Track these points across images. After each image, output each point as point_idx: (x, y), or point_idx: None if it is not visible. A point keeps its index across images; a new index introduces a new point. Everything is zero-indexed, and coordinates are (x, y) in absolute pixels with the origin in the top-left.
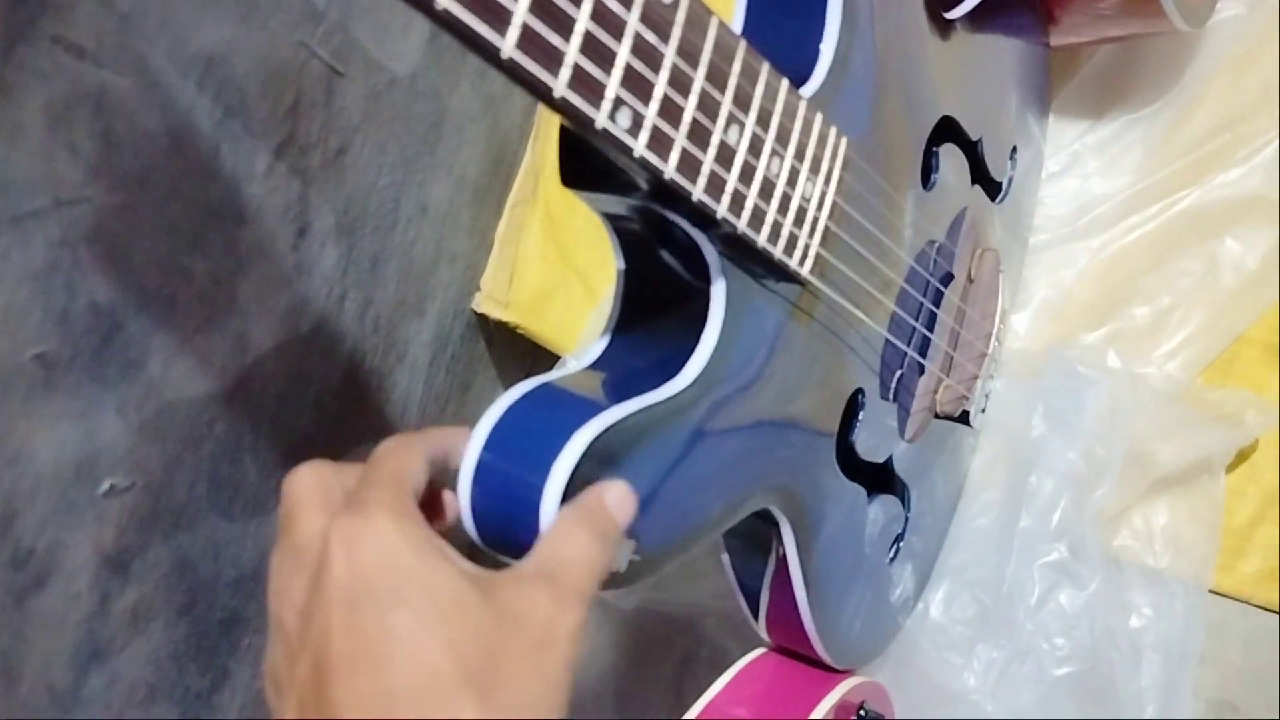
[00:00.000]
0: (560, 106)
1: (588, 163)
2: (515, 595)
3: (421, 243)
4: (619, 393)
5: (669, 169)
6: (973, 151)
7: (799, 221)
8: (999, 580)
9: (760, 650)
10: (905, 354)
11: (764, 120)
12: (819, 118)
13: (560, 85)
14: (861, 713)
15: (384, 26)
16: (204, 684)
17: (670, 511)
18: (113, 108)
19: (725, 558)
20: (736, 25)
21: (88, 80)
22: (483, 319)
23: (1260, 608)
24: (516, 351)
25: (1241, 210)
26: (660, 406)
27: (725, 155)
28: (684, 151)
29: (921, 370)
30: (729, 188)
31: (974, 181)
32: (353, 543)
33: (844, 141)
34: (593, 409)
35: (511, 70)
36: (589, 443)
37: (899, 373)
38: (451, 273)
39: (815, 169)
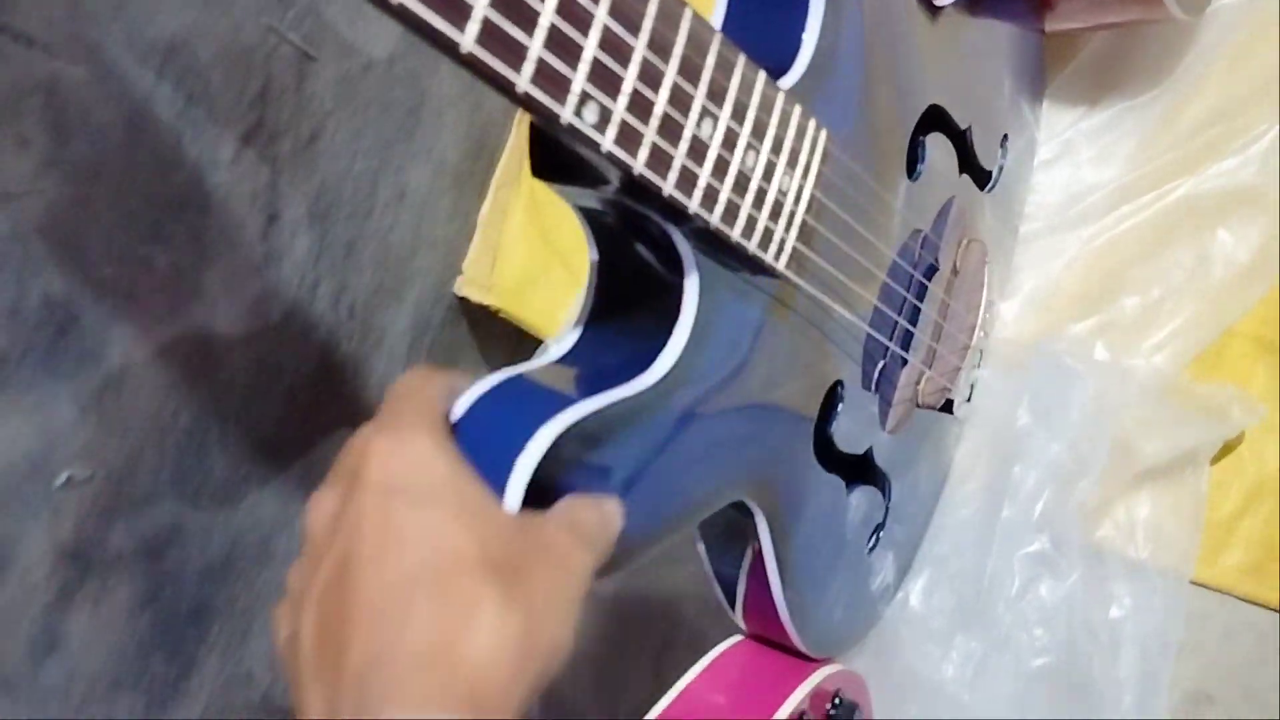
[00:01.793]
0: (524, 102)
1: (558, 155)
2: (540, 524)
3: (399, 229)
4: (589, 387)
5: (638, 164)
6: (961, 140)
7: (775, 216)
8: (979, 571)
9: (737, 637)
10: (887, 347)
11: (739, 114)
12: (797, 110)
13: (523, 80)
14: (836, 701)
15: (358, 9)
16: (171, 672)
17: (644, 504)
18: (65, 97)
19: (700, 547)
20: (718, 14)
21: (37, 70)
22: (465, 304)
23: (1241, 599)
24: (499, 336)
25: (1234, 202)
26: (630, 401)
27: (698, 150)
28: (654, 146)
29: (904, 362)
30: (701, 182)
31: (962, 171)
32: (389, 453)
33: (824, 134)
34: (560, 403)
35: (472, 65)
36: (554, 438)
37: (881, 364)
38: (431, 258)
39: (793, 163)
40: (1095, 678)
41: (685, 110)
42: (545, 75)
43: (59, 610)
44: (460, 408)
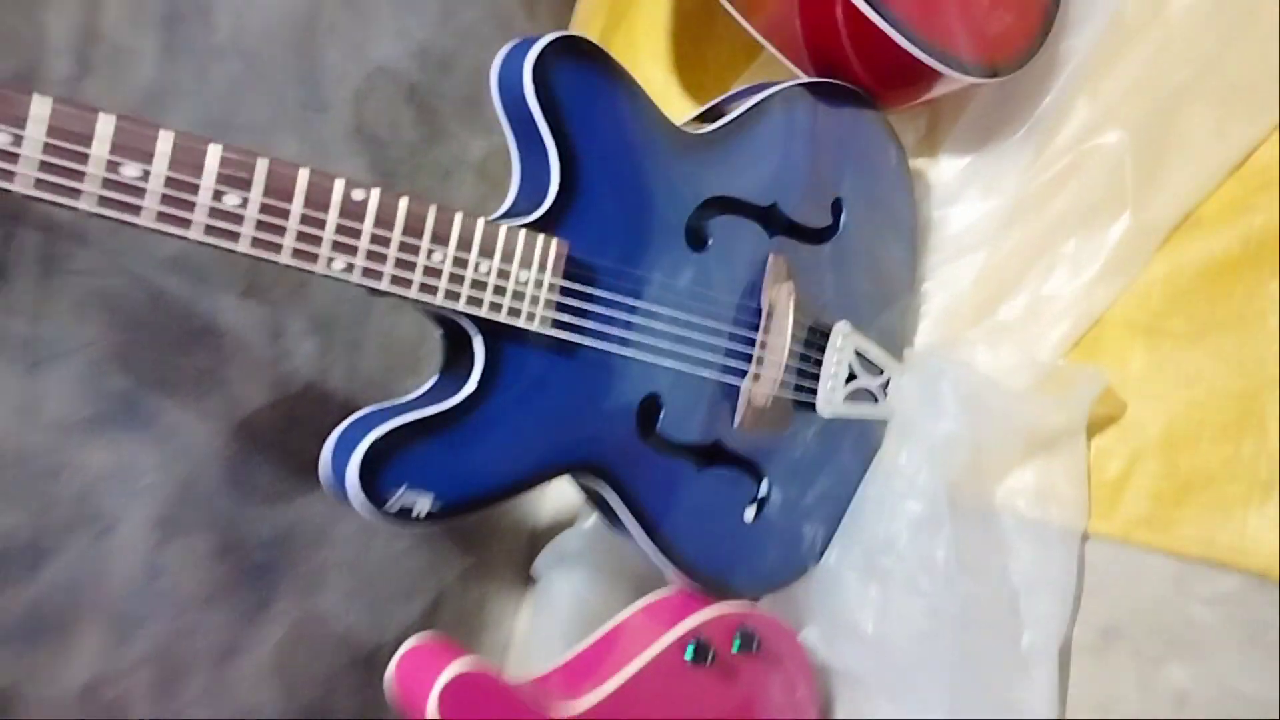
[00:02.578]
0: (286, 266)
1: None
2: None
3: (402, 326)
4: (420, 406)
5: (383, 284)
6: (768, 214)
7: (518, 298)
8: (876, 533)
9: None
10: (717, 365)
11: (465, 243)
12: (523, 233)
13: (284, 256)
14: (742, 629)
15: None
16: (251, 600)
17: (460, 478)
18: (112, 295)
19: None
20: (514, 176)
21: (91, 285)
22: None
23: (1138, 548)
24: None
25: (1095, 210)
26: (440, 414)
27: (431, 270)
28: (392, 276)
29: (741, 375)
30: (442, 287)
31: (773, 234)
32: None
33: (556, 242)
34: (393, 415)
35: (248, 255)
36: (380, 435)
37: (716, 379)
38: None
39: (527, 264)
40: (997, 620)
41: (414, 251)
42: (300, 254)
43: (155, 554)
44: (337, 430)
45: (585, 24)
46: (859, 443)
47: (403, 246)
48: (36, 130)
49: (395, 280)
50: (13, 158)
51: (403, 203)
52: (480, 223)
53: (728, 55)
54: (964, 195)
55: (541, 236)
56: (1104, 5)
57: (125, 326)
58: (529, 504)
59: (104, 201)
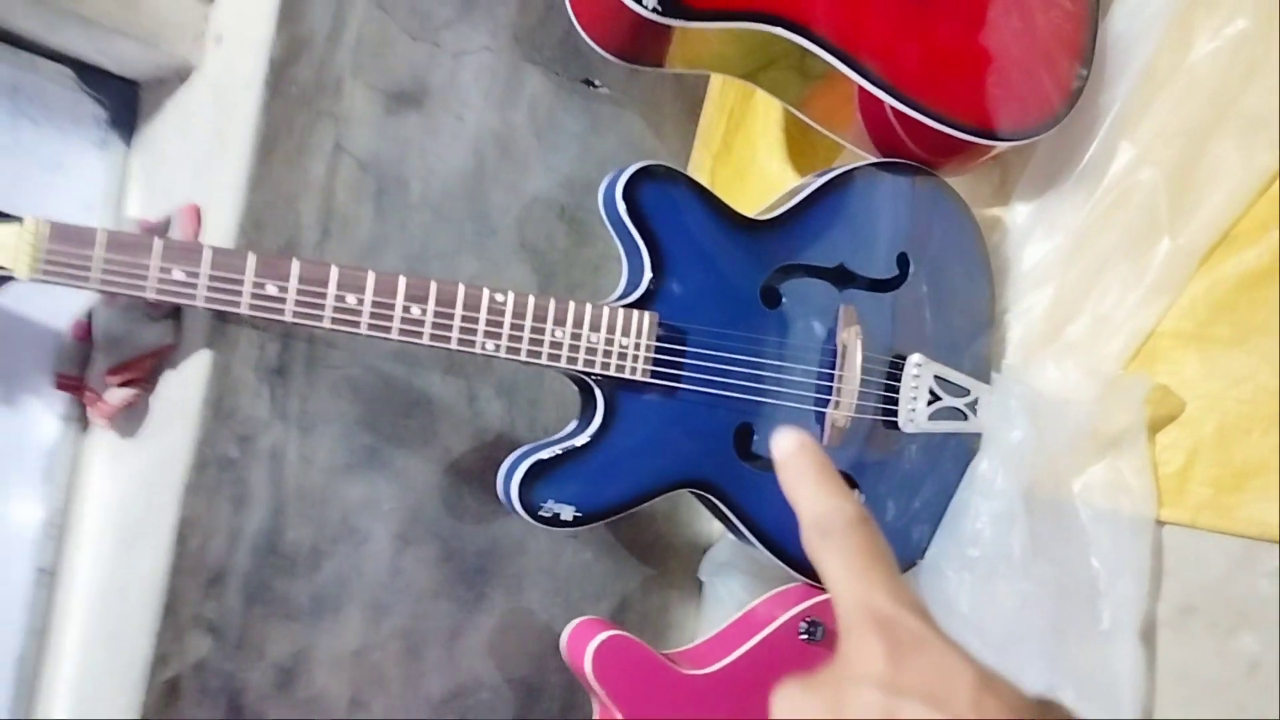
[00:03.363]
0: (456, 351)
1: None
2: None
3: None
4: (560, 443)
5: (521, 357)
6: (836, 272)
7: (623, 357)
8: (965, 529)
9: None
10: (803, 397)
11: (578, 322)
12: (621, 310)
13: (453, 344)
14: (807, 622)
15: None
16: (470, 596)
17: (592, 493)
18: (355, 380)
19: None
20: (623, 264)
21: (341, 374)
22: None
23: (1205, 530)
24: None
25: (1137, 239)
26: (575, 448)
27: (556, 344)
28: (528, 350)
29: (826, 404)
30: (564, 355)
31: (844, 288)
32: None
33: (649, 315)
34: (540, 449)
35: (430, 347)
36: (529, 464)
37: (806, 408)
38: None
39: (627, 332)
40: (1080, 599)
41: (540, 333)
42: (464, 341)
43: (396, 558)
44: (505, 463)
45: (708, 133)
46: (957, 455)
47: (534, 329)
48: (294, 281)
49: (530, 353)
50: (281, 300)
51: (531, 299)
52: (589, 306)
53: (833, 143)
54: (1033, 235)
55: (637, 312)
56: (1138, 57)
57: (366, 401)
58: (702, 523)
59: (335, 321)
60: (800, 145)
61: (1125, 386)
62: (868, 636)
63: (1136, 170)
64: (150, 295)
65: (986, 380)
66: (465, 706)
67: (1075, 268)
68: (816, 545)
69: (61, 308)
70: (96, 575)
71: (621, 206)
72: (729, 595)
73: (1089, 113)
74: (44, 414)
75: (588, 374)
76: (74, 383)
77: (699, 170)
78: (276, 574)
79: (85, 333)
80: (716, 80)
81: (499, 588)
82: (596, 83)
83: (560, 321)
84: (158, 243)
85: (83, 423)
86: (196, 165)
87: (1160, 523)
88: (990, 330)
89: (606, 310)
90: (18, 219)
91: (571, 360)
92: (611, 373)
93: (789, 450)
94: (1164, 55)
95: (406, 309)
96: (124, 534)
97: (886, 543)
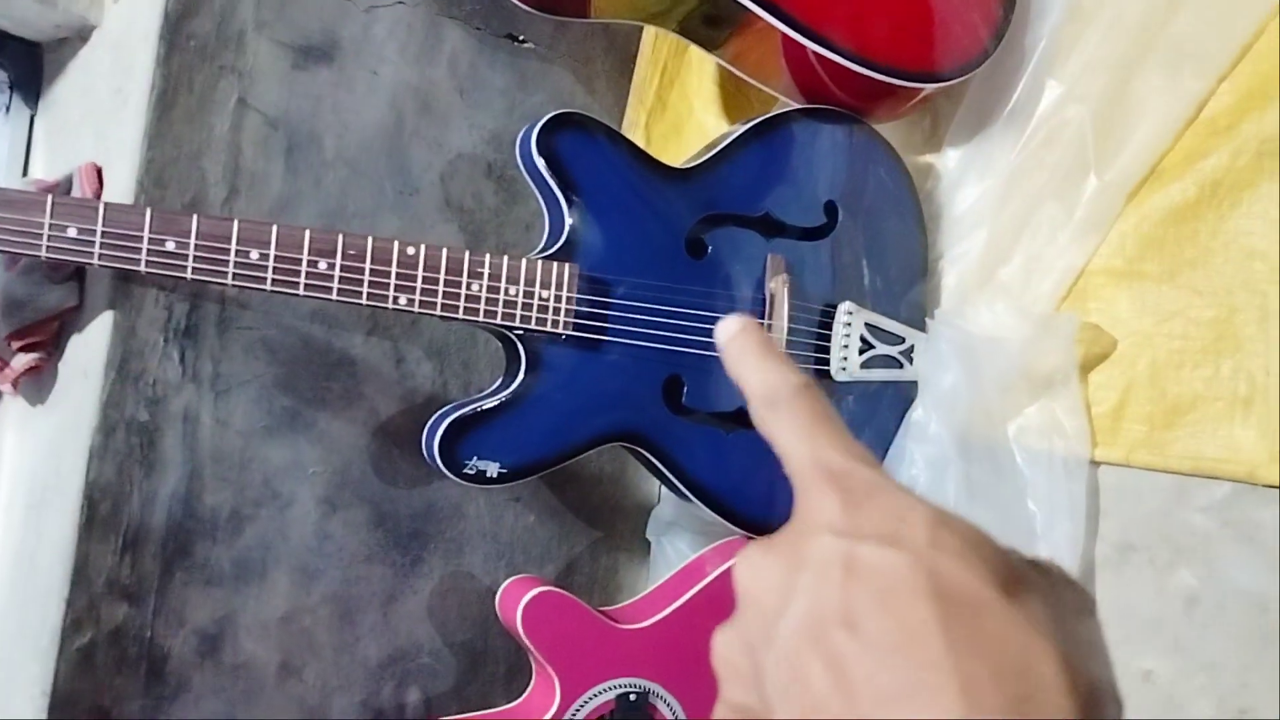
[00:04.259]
0: (368, 306)
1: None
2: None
3: None
4: (482, 400)
5: (437, 311)
6: (763, 221)
7: (544, 310)
8: (907, 477)
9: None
10: None
11: (495, 275)
12: (539, 263)
13: (363, 300)
14: None
15: None
16: (406, 560)
17: (517, 449)
18: (271, 341)
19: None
20: (545, 217)
21: (255, 335)
22: None
23: (1141, 469)
24: None
25: (1065, 178)
26: (497, 404)
27: (473, 297)
28: (443, 305)
29: None
30: (482, 309)
31: (771, 237)
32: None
33: (569, 267)
34: (461, 407)
35: (337, 301)
36: (450, 421)
37: None
38: None
39: (546, 285)
40: (1017, 542)
41: (458, 284)
42: (375, 296)
43: (323, 522)
44: (429, 422)
45: (642, 89)
46: (894, 403)
47: (448, 283)
48: (194, 237)
49: (445, 308)
50: (182, 256)
51: (444, 251)
52: (506, 259)
53: (769, 96)
54: (965, 179)
55: (556, 264)
56: None
57: (283, 362)
58: (651, 484)
59: (238, 277)
60: (736, 99)
61: (1056, 325)
62: (822, 489)
63: (1064, 108)
64: (44, 254)
65: (923, 328)
66: (404, 671)
67: (1007, 210)
68: (766, 418)
69: None
70: (7, 542)
71: (537, 155)
72: (676, 554)
73: (1016, 52)
74: None
75: (508, 328)
76: None
77: (633, 127)
78: (195, 539)
79: None
80: (649, 35)
81: (436, 552)
82: (521, 38)
83: (476, 275)
84: (50, 199)
85: None
86: (99, 125)
87: (1095, 463)
88: (925, 278)
89: (525, 263)
90: None
91: (490, 314)
92: (533, 326)
93: (731, 331)
94: None
95: (313, 263)
96: (32, 500)
97: (831, 405)
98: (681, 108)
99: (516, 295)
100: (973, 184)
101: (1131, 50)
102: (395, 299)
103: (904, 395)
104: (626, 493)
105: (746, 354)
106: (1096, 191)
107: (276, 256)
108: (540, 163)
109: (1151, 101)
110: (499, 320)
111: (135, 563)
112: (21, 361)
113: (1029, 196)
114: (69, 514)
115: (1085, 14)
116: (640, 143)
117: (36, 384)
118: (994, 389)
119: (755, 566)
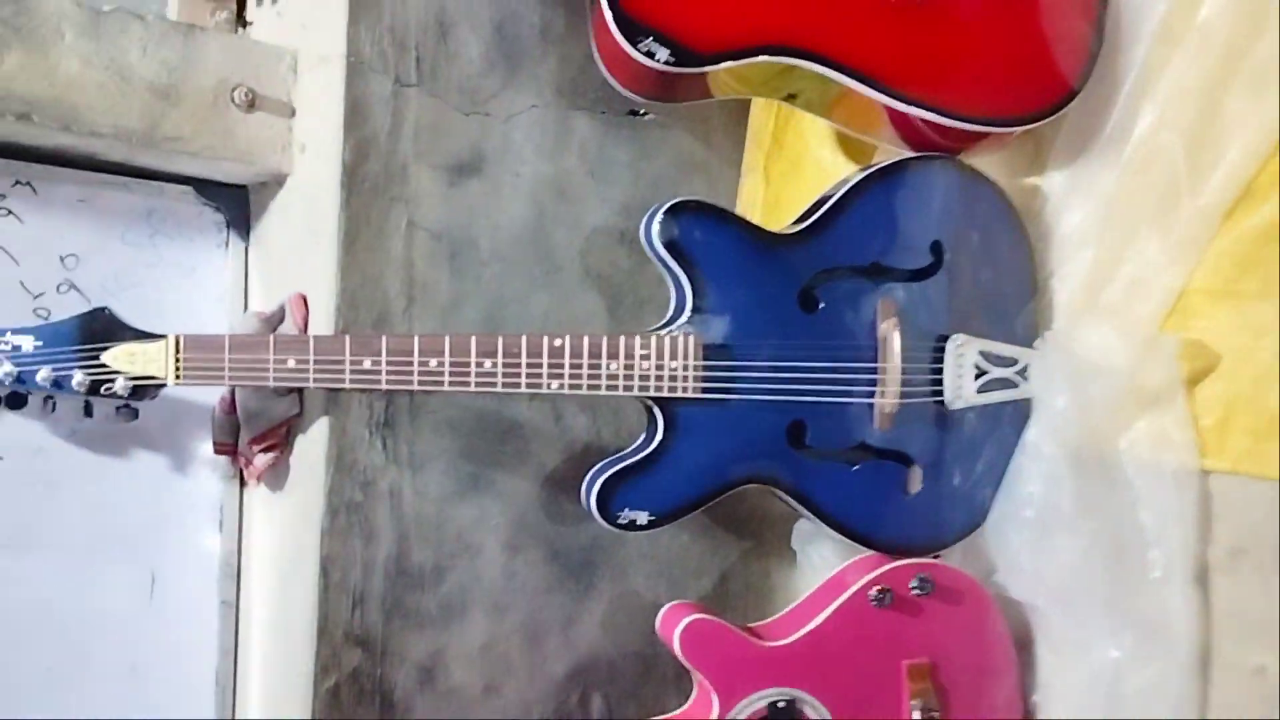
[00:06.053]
0: (529, 393)
1: None
2: None
3: None
4: (629, 457)
5: (584, 390)
6: (872, 270)
7: (674, 379)
8: (1025, 494)
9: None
10: (851, 390)
11: (629, 354)
12: (667, 337)
13: (523, 388)
14: (919, 576)
15: None
16: (580, 587)
17: (662, 498)
18: (453, 419)
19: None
20: (670, 291)
21: (440, 417)
22: None
23: (1248, 477)
24: None
25: (1160, 201)
26: (640, 460)
27: (612, 375)
28: (588, 384)
29: (870, 394)
30: (620, 384)
31: (880, 283)
32: None
33: (693, 338)
34: (613, 464)
35: (505, 393)
36: (604, 478)
37: (851, 400)
38: None
39: (674, 355)
40: (1133, 549)
41: (596, 369)
42: (532, 384)
43: (508, 564)
44: (586, 478)
45: (758, 132)
46: (1015, 418)
47: (591, 365)
48: (384, 354)
49: (590, 386)
50: (376, 372)
51: (585, 339)
52: (637, 338)
53: None
54: (1070, 201)
55: (681, 336)
56: (1149, 19)
57: (464, 435)
58: None
59: (422, 383)
60: (848, 135)
61: (1159, 345)
62: None
63: (1156, 134)
64: (271, 383)
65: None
66: (587, 682)
67: (1109, 232)
68: None
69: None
70: (266, 606)
71: (658, 243)
72: (821, 561)
73: (1110, 78)
74: (210, 475)
75: (645, 396)
76: (228, 448)
77: (753, 169)
78: (407, 591)
79: (230, 406)
80: None
81: (605, 577)
82: (641, 111)
83: (613, 355)
84: (272, 339)
85: (240, 480)
86: (300, 257)
87: (1205, 472)
88: (1036, 295)
89: (654, 339)
90: (161, 336)
91: (628, 387)
92: (665, 394)
93: None
94: (1176, 14)
95: (480, 364)
96: (281, 571)
97: None
98: (798, 146)
99: (649, 369)
100: (1078, 206)
101: (1218, 73)
102: (549, 384)
103: (1024, 410)
104: (771, 503)
105: None
106: (1191, 214)
107: (452, 362)
108: (661, 249)
109: (1240, 124)
110: (635, 391)
111: (363, 616)
112: (262, 460)
113: (1130, 219)
114: (310, 582)
115: (1174, 37)
116: (760, 183)
117: (274, 477)
118: (1103, 410)
119: None
